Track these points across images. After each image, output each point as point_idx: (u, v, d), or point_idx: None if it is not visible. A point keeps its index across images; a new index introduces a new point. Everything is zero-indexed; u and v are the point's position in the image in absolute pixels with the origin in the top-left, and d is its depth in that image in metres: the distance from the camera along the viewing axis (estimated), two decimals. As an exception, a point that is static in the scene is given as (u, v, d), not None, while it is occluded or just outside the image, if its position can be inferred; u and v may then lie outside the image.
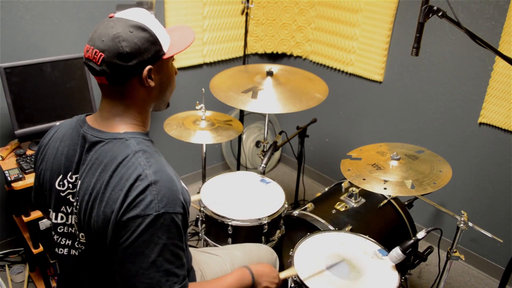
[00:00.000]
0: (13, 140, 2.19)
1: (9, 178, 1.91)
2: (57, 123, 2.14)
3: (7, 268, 2.37)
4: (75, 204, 1.09)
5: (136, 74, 1.04)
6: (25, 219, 1.99)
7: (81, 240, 1.11)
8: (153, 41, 1.04)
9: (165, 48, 1.07)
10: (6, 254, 2.46)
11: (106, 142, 1.06)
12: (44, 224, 2.10)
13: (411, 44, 1.46)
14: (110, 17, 1.04)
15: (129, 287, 0.99)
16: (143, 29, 1.02)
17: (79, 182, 1.08)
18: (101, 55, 1.00)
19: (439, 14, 1.36)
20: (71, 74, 2.17)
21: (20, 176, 1.93)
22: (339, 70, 2.95)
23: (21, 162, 2.02)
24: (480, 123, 2.34)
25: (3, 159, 2.08)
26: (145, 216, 0.96)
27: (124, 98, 1.08)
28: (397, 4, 2.49)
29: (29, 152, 2.14)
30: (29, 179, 1.95)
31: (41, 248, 2.08)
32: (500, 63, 2.16)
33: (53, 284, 2.22)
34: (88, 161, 1.07)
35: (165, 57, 1.07)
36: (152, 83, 1.07)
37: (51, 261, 2.22)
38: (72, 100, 2.21)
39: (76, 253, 1.16)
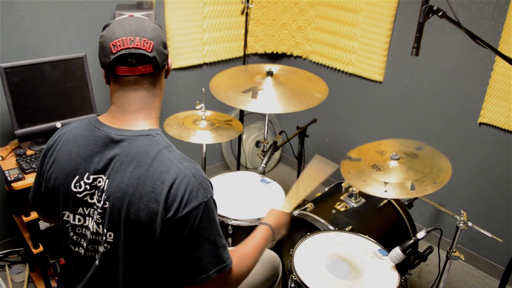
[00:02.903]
0: (13, 140, 2.19)
1: (9, 178, 1.91)
2: (57, 123, 2.17)
3: (7, 268, 2.37)
4: (100, 204, 1.08)
5: (166, 63, 1.15)
6: (25, 219, 1.99)
7: (107, 240, 1.10)
8: None
9: None
10: (6, 254, 2.46)
11: (133, 139, 1.08)
12: (44, 224, 2.10)
13: (411, 44, 1.46)
14: (130, 16, 1.11)
15: (199, 270, 1.09)
16: (160, 25, 1.14)
17: (107, 181, 1.07)
18: (151, 43, 1.06)
19: (439, 14, 1.36)
20: (71, 74, 2.17)
21: (20, 176, 1.93)
22: (339, 70, 2.95)
23: (21, 162, 2.02)
24: (480, 123, 2.34)
25: (3, 159, 2.08)
26: (199, 206, 1.05)
27: (155, 87, 1.14)
28: (397, 4, 2.49)
29: (29, 152, 2.14)
30: (29, 179, 1.95)
31: (41, 248, 2.08)
32: (500, 63, 2.16)
33: (53, 284, 2.23)
34: (116, 160, 1.07)
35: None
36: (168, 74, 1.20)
37: (51, 261, 2.22)
38: (72, 100, 2.21)
39: (93, 254, 1.15)
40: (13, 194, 2.06)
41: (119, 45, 1.04)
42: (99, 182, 1.09)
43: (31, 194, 1.28)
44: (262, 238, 1.32)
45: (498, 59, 2.16)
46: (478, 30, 2.18)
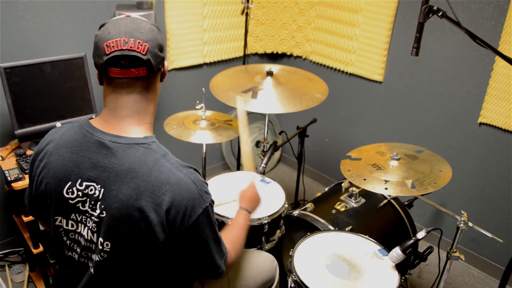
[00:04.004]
0: (13, 140, 2.19)
1: (9, 178, 1.91)
2: (57, 123, 2.17)
3: (7, 268, 2.37)
4: (96, 213, 1.07)
5: (162, 67, 1.12)
6: (25, 219, 1.99)
7: (104, 249, 1.08)
8: None
9: None
10: (6, 254, 2.46)
11: (128, 147, 1.06)
12: (44, 224, 2.10)
13: (411, 44, 1.46)
14: (127, 16, 1.08)
15: (209, 268, 1.16)
16: (157, 27, 1.11)
17: (103, 190, 1.05)
18: (145, 45, 1.03)
19: (439, 14, 1.36)
20: (71, 74, 2.17)
21: (20, 176, 1.93)
22: (339, 70, 2.95)
23: (21, 162, 2.02)
24: (480, 123, 2.34)
25: (3, 159, 2.08)
26: (203, 211, 1.07)
27: (149, 91, 1.11)
28: (397, 4, 2.49)
29: (29, 152, 2.14)
30: (29, 179, 1.95)
31: (41, 248, 2.08)
32: (500, 63, 2.16)
33: (53, 284, 2.23)
34: (110, 168, 1.05)
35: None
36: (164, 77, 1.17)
37: (51, 261, 2.23)
38: (72, 100, 2.21)
39: (86, 261, 1.14)
40: (13, 194, 2.06)
41: (113, 46, 1.01)
42: (91, 190, 1.07)
43: (27, 198, 1.26)
44: (244, 219, 1.42)
45: (498, 59, 2.16)
46: (478, 30, 2.18)
